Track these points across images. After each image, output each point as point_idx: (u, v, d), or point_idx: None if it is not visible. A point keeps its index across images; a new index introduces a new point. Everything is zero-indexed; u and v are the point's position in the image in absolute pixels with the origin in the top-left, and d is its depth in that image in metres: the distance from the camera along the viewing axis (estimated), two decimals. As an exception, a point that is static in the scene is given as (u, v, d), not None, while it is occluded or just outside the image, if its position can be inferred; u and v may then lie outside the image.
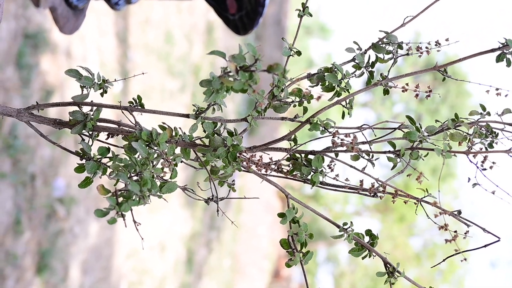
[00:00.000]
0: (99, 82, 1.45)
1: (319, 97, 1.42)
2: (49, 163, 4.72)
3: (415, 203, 1.45)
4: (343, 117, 1.45)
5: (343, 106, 1.44)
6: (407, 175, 1.43)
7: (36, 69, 4.54)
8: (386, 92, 1.45)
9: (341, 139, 1.40)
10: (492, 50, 1.42)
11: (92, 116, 1.47)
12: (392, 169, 1.44)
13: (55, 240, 4.84)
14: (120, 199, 1.31)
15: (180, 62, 7.03)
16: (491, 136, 1.44)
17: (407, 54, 1.43)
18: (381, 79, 1.43)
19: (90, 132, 1.49)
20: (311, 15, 1.47)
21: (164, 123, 1.48)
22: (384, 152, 1.44)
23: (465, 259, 1.42)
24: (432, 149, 1.40)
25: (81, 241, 5.30)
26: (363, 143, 1.43)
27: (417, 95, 1.44)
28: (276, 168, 1.47)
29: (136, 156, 1.39)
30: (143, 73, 1.47)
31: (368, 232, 1.49)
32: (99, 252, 5.61)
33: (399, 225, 10.58)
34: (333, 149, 1.44)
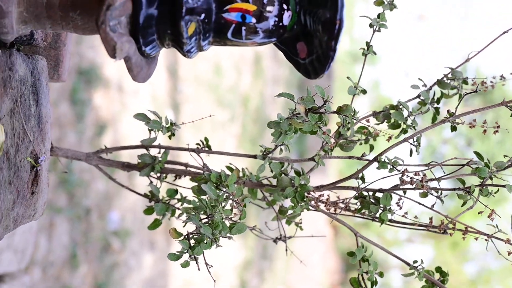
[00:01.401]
0: (167, 126, 1.48)
1: (389, 138, 1.42)
2: (104, 197, 4.77)
3: (486, 240, 1.44)
4: (410, 154, 1.44)
5: (411, 143, 1.44)
6: (479, 213, 1.42)
7: (89, 104, 4.61)
8: (453, 128, 1.45)
9: (411, 178, 1.40)
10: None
11: (160, 159, 1.49)
12: (462, 206, 1.43)
13: (110, 273, 4.88)
14: (192, 242, 1.32)
15: (229, 93, 7.07)
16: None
17: (475, 91, 1.43)
18: (448, 116, 1.43)
19: (158, 174, 1.51)
20: (375, 53, 1.48)
21: (231, 163, 1.50)
22: (454, 189, 1.43)
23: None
24: (503, 186, 1.39)
25: (136, 274, 5.33)
26: (431, 180, 1.43)
27: (485, 131, 1.44)
28: (344, 206, 1.47)
29: (205, 197, 1.40)
30: (210, 116, 1.49)
31: (438, 269, 1.49)
32: (153, 284, 5.64)
33: (452, 251, 10.45)
34: (401, 187, 1.43)
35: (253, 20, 1.13)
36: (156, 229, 1.51)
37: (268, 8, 1.14)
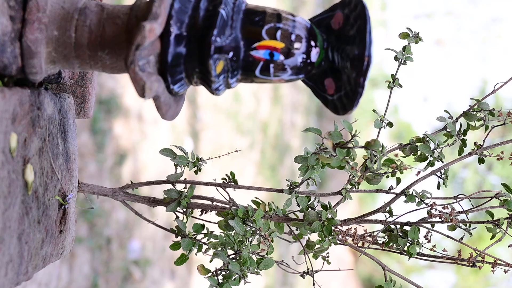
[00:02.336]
0: (193, 161, 1.48)
1: (418, 173, 1.42)
2: (124, 226, 4.78)
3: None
4: (438, 187, 1.44)
5: (438, 176, 1.43)
6: (509, 246, 1.41)
7: (109, 133, 4.63)
8: (481, 161, 1.44)
9: (439, 211, 1.39)
10: None
11: (186, 194, 1.49)
12: (491, 239, 1.41)
13: (131, 303, 4.87)
14: (220, 278, 1.32)
15: (248, 120, 7.09)
16: None
17: (503, 123, 1.42)
18: (476, 149, 1.42)
19: (184, 209, 1.50)
20: (401, 86, 1.48)
21: (257, 197, 1.50)
22: (483, 222, 1.42)
23: None
24: (533, 218, 1.38)
25: (157, 303, 5.32)
26: (459, 212, 1.42)
27: (513, 161, 1.43)
28: (371, 240, 1.46)
29: (232, 233, 1.40)
30: (236, 151, 1.49)
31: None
32: (174, 313, 5.62)
33: (474, 276, 10.36)
34: (429, 220, 1.42)
35: (281, 57, 1.13)
36: (177, 256, 1.51)
37: (296, 45, 1.14)
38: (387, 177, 1.47)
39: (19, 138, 1.09)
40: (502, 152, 1.44)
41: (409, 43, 1.44)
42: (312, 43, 1.15)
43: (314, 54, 1.15)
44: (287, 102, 8.23)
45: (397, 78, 1.45)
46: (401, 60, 1.43)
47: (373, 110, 1.45)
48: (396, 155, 1.31)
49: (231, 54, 1.12)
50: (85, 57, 1.15)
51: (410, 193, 1.41)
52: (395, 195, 1.44)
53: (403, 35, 1.45)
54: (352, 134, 1.28)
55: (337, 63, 1.15)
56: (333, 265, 1.53)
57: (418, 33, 1.44)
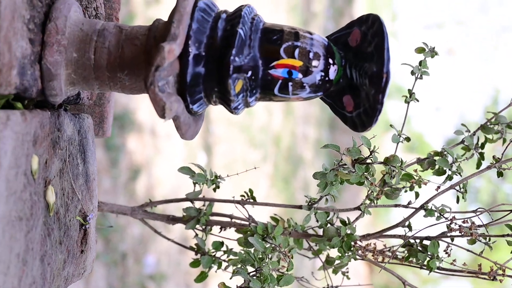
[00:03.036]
0: (211, 178, 1.48)
1: (438, 188, 1.41)
2: (139, 241, 4.78)
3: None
4: (457, 201, 1.43)
5: (457, 190, 1.43)
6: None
7: (123, 149, 4.64)
8: (500, 174, 1.44)
9: (459, 225, 1.38)
10: None
11: (205, 211, 1.49)
12: (511, 252, 1.41)
13: (147, 318, 4.87)
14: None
15: (261, 133, 7.09)
16: None
17: (523, 137, 1.42)
18: (494, 162, 1.42)
19: (204, 227, 1.51)
20: (417, 101, 1.48)
21: (275, 214, 1.50)
22: (503, 236, 1.41)
23: None
24: (554, 232, 1.38)
25: (173, 317, 5.31)
26: (479, 226, 1.41)
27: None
28: (391, 255, 1.46)
29: (252, 250, 1.40)
30: (255, 168, 1.50)
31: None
32: (190, 328, 5.62)
33: (490, 286, 10.30)
34: (449, 234, 1.42)
35: (300, 75, 1.14)
36: (192, 270, 1.51)
37: (314, 63, 1.14)
38: (406, 191, 1.47)
39: (40, 160, 1.10)
40: (520, 165, 1.43)
41: (425, 58, 1.44)
42: (330, 60, 1.16)
43: (332, 72, 1.16)
44: (299, 115, 8.22)
45: (413, 93, 1.45)
46: (418, 75, 1.43)
47: (390, 125, 1.45)
48: (416, 171, 1.31)
49: (249, 73, 1.12)
50: (104, 79, 1.16)
51: (429, 207, 1.41)
52: (414, 209, 1.43)
53: (419, 50, 1.45)
54: (370, 150, 1.28)
55: (356, 80, 1.15)
56: (350, 279, 1.53)
57: (434, 48, 1.44)
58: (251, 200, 1.50)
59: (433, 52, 1.44)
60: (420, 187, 1.48)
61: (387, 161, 1.30)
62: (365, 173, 1.29)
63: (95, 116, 1.45)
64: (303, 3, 8.32)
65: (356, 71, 1.15)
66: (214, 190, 1.49)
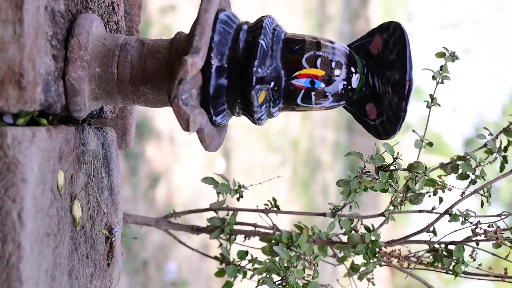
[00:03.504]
0: (234, 188, 1.48)
1: (463, 193, 1.41)
2: (160, 248, 4.79)
3: None
4: (482, 206, 1.43)
5: (481, 194, 1.42)
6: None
7: (142, 157, 4.66)
8: (524, 177, 1.43)
9: (484, 230, 1.38)
10: None
11: (229, 221, 1.49)
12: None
13: (170, 325, 4.88)
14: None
15: (279, 137, 7.10)
16: None
17: (546, 139, 1.41)
18: (518, 165, 1.42)
19: (228, 236, 1.51)
20: (439, 105, 1.47)
21: (299, 222, 1.50)
22: (529, 239, 1.41)
23: None
24: None
25: (195, 324, 5.32)
26: (504, 230, 1.41)
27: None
28: (416, 260, 1.46)
29: (277, 258, 1.40)
30: (278, 177, 1.50)
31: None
32: (213, 334, 5.62)
33: (513, 287, 10.21)
34: (474, 239, 1.42)
35: (322, 85, 1.14)
36: (213, 276, 1.52)
37: (336, 72, 1.14)
38: (429, 196, 1.46)
39: (66, 175, 1.11)
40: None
41: (446, 62, 1.44)
42: (352, 69, 1.16)
43: (355, 80, 1.16)
44: (316, 118, 8.22)
45: (435, 98, 1.45)
46: (439, 79, 1.42)
47: (413, 131, 1.45)
48: (440, 177, 1.31)
49: (272, 84, 1.13)
50: (127, 93, 1.16)
51: (454, 212, 1.41)
52: (438, 215, 1.43)
53: (440, 54, 1.44)
54: (394, 156, 1.28)
55: (378, 88, 1.15)
56: (375, 285, 1.53)
57: (454, 52, 1.44)
58: (275, 209, 1.50)
59: (453, 57, 1.44)
60: (444, 192, 1.47)
61: (410, 168, 1.29)
62: (389, 180, 1.29)
63: (118, 129, 1.46)
64: (318, 6, 8.32)
65: (379, 79, 1.15)
66: (238, 199, 1.50)
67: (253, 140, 6.64)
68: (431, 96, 1.45)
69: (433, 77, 1.45)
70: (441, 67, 1.44)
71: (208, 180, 1.47)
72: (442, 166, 1.47)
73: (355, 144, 8.55)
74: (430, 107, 1.47)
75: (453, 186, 1.32)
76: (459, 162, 1.46)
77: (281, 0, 7.39)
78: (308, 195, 7.71)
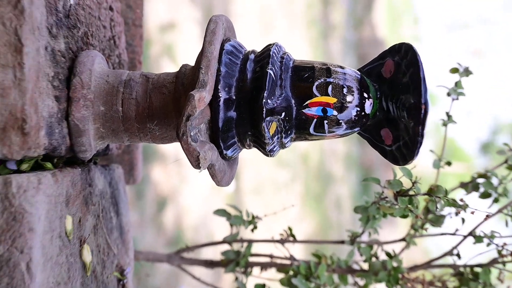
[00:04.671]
0: (248, 220, 1.48)
1: (487, 217, 1.40)
2: (170, 274, 4.78)
3: None
4: (507, 225, 1.42)
5: (505, 214, 1.41)
6: None
7: (148, 180, 4.66)
8: (549, 193, 1.42)
9: (511, 251, 1.37)
10: None
11: (244, 253, 1.49)
12: None
13: None
14: None
15: (288, 152, 7.08)
16: None
17: None
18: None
19: (243, 269, 1.50)
20: (455, 122, 1.47)
21: (317, 250, 1.49)
22: (557, 258, 1.40)
23: None
24: None
25: None
26: (531, 249, 1.40)
27: None
28: (441, 285, 1.45)
29: (296, 290, 1.39)
30: (292, 206, 1.49)
31: None
32: None
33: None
34: (500, 260, 1.41)
35: (335, 112, 1.13)
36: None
37: (349, 98, 1.13)
38: (451, 217, 1.46)
39: (74, 219, 1.10)
40: None
41: (460, 78, 1.43)
42: (365, 94, 1.15)
43: (368, 106, 1.15)
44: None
45: (450, 116, 1.44)
46: (455, 97, 1.42)
47: (430, 150, 1.44)
48: (462, 200, 1.29)
49: (283, 114, 1.12)
50: (134, 130, 1.16)
51: (478, 234, 1.40)
52: (462, 237, 1.42)
53: (453, 70, 1.44)
54: (412, 181, 1.27)
55: (393, 113, 1.14)
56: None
57: (468, 67, 1.43)
58: (291, 239, 1.50)
59: (467, 72, 1.43)
60: (465, 211, 1.46)
61: (431, 192, 1.28)
62: (408, 206, 1.28)
63: (125, 164, 1.46)
64: (321, 14, 8.32)
65: (393, 103, 1.14)
66: (252, 230, 1.49)
67: (261, 156, 6.64)
68: (447, 114, 1.45)
69: (448, 94, 1.44)
70: (456, 83, 1.44)
71: (221, 212, 1.46)
72: (463, 185, 1.47)
73: (367, 155, 8.53)
74: (446, 125, 1.46)
75: (475, 209, 1.31)
76: (480, 180, 1.45)
77: (283, 10, 7.39)
78: (321, 210, 7.68)
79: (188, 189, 5.20)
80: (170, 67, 4.46)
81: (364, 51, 8.95)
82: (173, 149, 5.00)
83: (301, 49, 7.30)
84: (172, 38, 4.95)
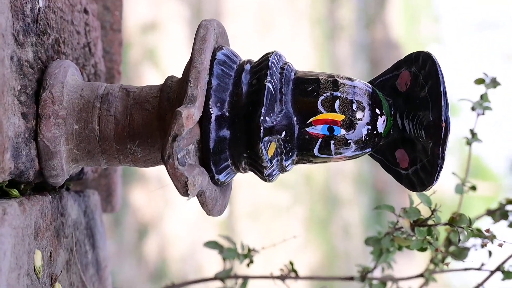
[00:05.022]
0: (243, 253, 1.49)
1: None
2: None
3: None
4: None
5: (538, 245, 1.42)
6: None
7: (127, 204, 4.66)
8: None
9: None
10: None
11: (239, 291, 1.50)
12: None
13: None
14: None
15: (290, 172, 7.09)
16: None
17: None
18: None
19: (238, 309, 1.51)
20: (480, 141, 1.48)
21: (324, 287, 1.50)
22: None
23: None
24: None
25: None
26: None
27: None
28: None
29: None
30: (294, 237, 1.50)
31: None
32: None
33: None
34: (532, 298, 1.42)
35: (343, 131, 1.13)
36: None
37: (358, 115, 1.14)
38: (476, 250, 1.47)
39: (43, 254, 1.11)
40: None
41: (486, 90, 1.45)
42: (377, 110, 1.16)
43: (381, 124, 1.16)
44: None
45: (475, 134, 1.46)
46: (481, 112, 1.43)
47: (453, 173, 1.45)
48: (488, 230, 1.30)
49: (283, 134, 1.12)
50: (112, 152, 1.17)
51: (507, 269, 1.41)
52: (489, 272, 1.43)
53: (478, 81, 1.45)
54: (432, 209, 1.28)
55: (409, 132, 1.15)
56: None
57: (495, 78, 1.44)
58: (293, 274, 1.51)
59: (495, 83, 1.45)
60: (492, 242, 1.47)
61: (452, 222, 1.29)
62: (427, 237, 1.28)
63: (102, 190, 1.47)
64: (327, 13, 8.34)
65: (409, 121, 1.15)
66: (248, 265, 1.50)
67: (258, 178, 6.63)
68: (472, 131, 1.46)
69: (473, 108, 1.45)
70: (481, 96, 1.45)
71: (212, 244, 1.47)
72: (490, 213, 1.48)
73: (380, 175, 8.53)
74: (470, 144, 1.47)
75: (504, 241, 1.32)
76: (509, 207, 1.46)
77: (286, 8, 7.41)
78: (326, 236, 7.68)
79: (173, 214, 5.20)
80: (153, 74, 4.47)
81: (377, 55, 8.97)
82: (156, 169, 5.01)
83: (304, 52, 7.31)
84: (155, 40, 4.96)
